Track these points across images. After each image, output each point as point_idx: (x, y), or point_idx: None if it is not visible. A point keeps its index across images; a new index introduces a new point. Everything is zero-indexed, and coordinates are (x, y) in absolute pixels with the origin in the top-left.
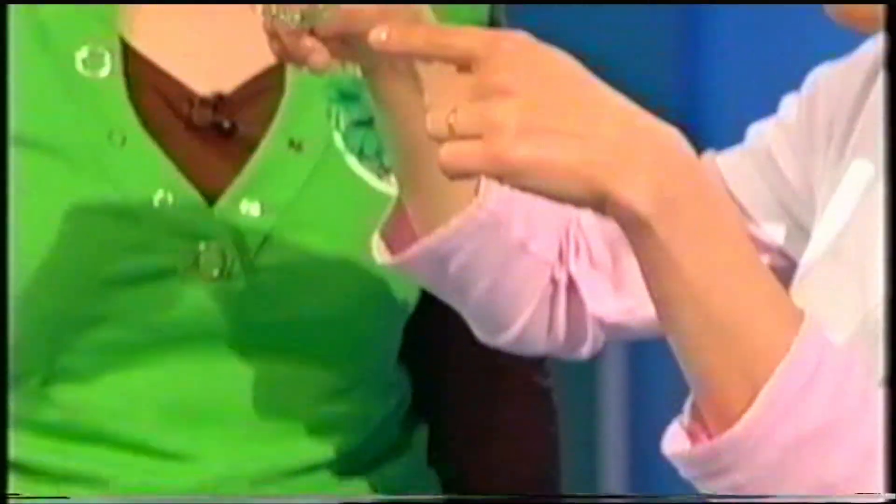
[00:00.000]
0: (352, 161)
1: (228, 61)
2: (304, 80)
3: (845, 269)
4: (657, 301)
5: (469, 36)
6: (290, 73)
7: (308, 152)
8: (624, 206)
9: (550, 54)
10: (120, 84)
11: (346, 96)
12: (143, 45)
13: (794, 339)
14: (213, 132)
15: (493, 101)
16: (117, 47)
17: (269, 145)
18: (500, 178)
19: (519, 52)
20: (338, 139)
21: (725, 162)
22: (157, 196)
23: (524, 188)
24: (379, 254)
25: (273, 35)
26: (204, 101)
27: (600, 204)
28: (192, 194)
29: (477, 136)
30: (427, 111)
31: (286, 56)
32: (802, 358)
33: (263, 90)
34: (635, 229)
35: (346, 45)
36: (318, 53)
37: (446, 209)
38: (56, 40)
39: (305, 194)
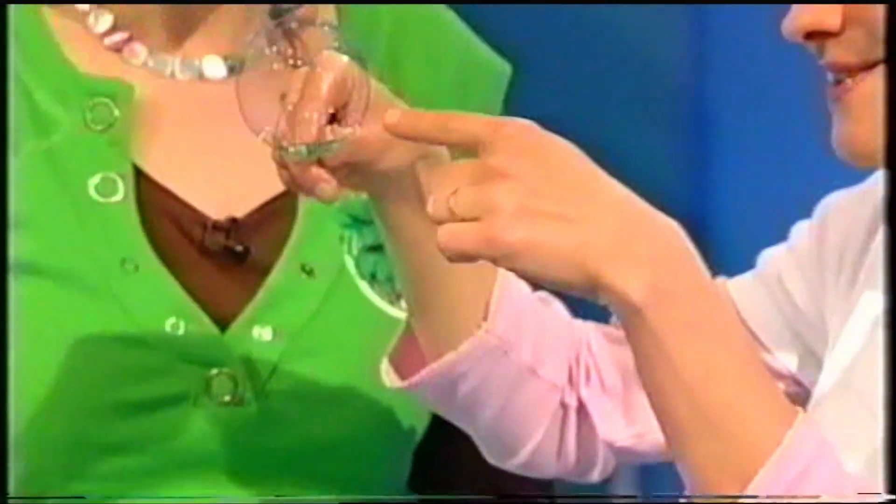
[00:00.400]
0: (364, 286)
1: (241, 186)
2: (316, 205)
3: (856, 401)
4: (649, 391)
5: (474, 121)
6: (303, 198)
7: (320, 277)
8: (616, 293)
9: (552, 141)
10: (132, 210)
11: (358, 221)
12: (156, 171)
13: (786, 435)
14: (226, 257)
15: (492, 185)
16: (130, 173)
17: (282, 270)
18: (495, 259)
19: (520, 137)
20: (350, 264)
21: (736, 287)
22: (169, 323)
23: (517, 271)
24: (388, 378)
25: (282, 165)
26: (217, 226)
27: (593, 289)
28: (204, 321)
29: (475, 219)
30: (429, 195)
31: (294, 186)
32: (792, 454)
33: (276, 214)
34: (627, 317)
35: (355, 172)
36: (326, 183)
37: (455, 333)
38: (68, 168)
39: (317, 319)
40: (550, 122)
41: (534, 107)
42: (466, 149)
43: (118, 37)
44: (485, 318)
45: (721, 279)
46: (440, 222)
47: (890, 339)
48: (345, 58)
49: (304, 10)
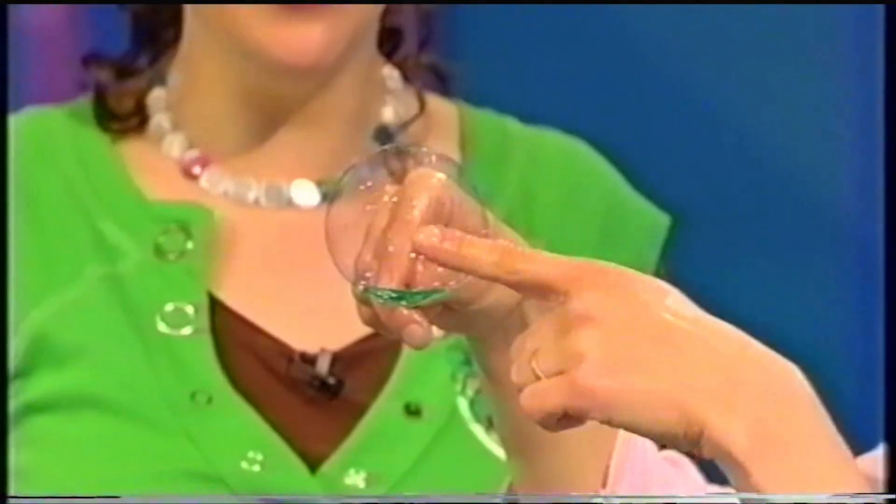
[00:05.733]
0: (478, 430)
1: (336, 321)
2: None
3: None
4: None
5: (544, 263)
6: None
7: (428, 419)
8: (717, 441)
9: (637, 278)
10: (206, 342)
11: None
12: (236, 301)
13: None
14: (316, 391)
15: (574, 333)
16: (204, 303)
17: (381, 409)
18: (587, 413)
19: (601, 276)
20: (463, 406)
21: None
22: (248, 458)
23: (613, 423)
24: None
25: (363, 300)
26: (305, 357)
27: (696, 439)
28: (290, 458)
29: (560, 373)
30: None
31: (377, 325)
32: None
33: (376, 350)
34: (729, 468)
35: (451, 312)
36: (417, 325)
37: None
38: (135, 296)
39: (423, 466)
40: (714, 274)
41: (698, 261)
42: (535, 296)
43: (194, 157)
44: (603, 485)
45: None
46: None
47: (890, 338)
48: (441, 175)
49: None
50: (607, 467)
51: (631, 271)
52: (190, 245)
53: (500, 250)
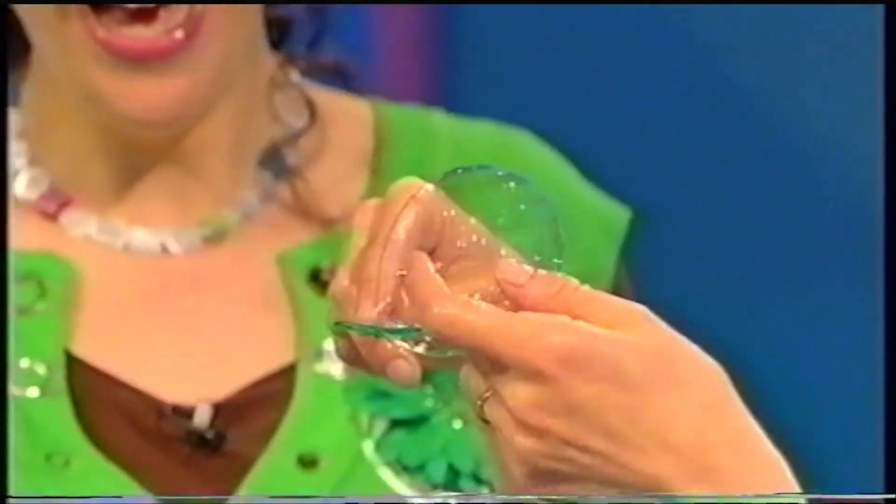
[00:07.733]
0: (386, 475)
1: (214, 370)
2: (322, 385)
3: None
4: None
5: (491, 330)
6: (302, 377)
7: (326, 469)
8: None
9: (598, 354)
10: (62, 403)
11: (380, 395)
12: (98, 358)
13: None
14: (193, 447)
15: (521, 435)
16: (60, 361)
17: (271, 463)
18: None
19: (556, 363)
20: (368, 448)
21: None
22: None
23: None
24: None
25: (340, 333)
26: (178, 410)
27: None
28: None
29: None
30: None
31: (356, 361)
32: None
33: (263, 398)
34: None
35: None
36: (403, 360)
37: None
38: None
39: None
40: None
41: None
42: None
43: (52, 197)
44: None
45: None
46: None
47: (890, 338)
48: (429, 186)
49: None
50: None
51: (588, 341)
52: (42, 302)
53: (455, 323)
